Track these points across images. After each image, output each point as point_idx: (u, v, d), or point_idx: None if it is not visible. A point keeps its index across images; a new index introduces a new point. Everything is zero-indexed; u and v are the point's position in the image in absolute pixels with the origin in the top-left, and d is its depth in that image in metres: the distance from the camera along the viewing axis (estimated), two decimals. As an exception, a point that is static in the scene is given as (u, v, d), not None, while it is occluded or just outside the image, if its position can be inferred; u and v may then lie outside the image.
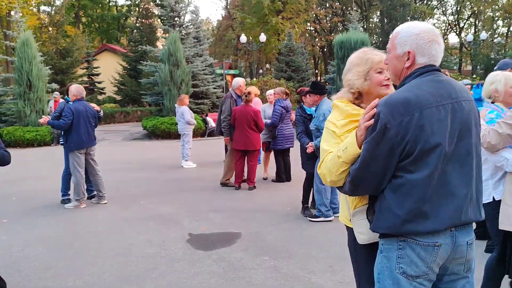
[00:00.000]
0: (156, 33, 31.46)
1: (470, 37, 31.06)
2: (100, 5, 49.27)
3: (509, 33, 42.89)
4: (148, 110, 25.94)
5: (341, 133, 2.06)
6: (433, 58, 1.87)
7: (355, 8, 38.04)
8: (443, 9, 45.53)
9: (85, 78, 30.66)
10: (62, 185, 6.92)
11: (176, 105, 10.81)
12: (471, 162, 1.82)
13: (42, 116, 6.76)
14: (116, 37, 47.11)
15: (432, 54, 1.86)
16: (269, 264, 4.27)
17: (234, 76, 25.96)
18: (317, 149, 5.56)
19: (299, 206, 6.27)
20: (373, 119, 1.78)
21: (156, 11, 31.96)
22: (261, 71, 38.38)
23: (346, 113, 2.13)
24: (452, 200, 1.76)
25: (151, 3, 34.54)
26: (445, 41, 40.24)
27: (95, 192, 7.01)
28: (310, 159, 5.88)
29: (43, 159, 12.30)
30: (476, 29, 43.78)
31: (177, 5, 20.99)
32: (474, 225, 1.90)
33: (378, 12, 43.38)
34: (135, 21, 39.25)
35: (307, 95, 5.96)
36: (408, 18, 38.55)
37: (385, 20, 42.05)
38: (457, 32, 45.13)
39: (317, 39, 41.95)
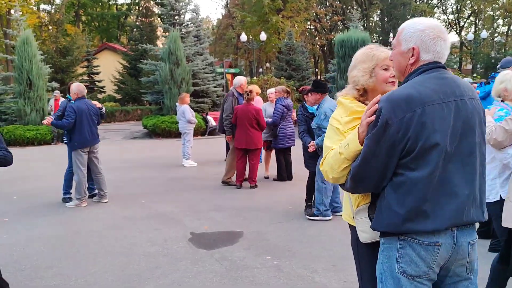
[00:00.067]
0: (156, 31, 31.44)
1: (470, 36, 31.02)
2: (100, 4, 49.21)
3: (509, 32, 42.86)
4: (148, 109, 25.95)
5: (345, 130, 2.04)
6: (438, 55, 1.84)
7: (355, 7, 37.99)
8: (443, 8, 45.53)
9: (85, 77, 30.66)
10: (64, 183, 6.91)
11: (177, 103, 10.79)
12: (474, 162, 1.79)
13: (46, 117, 6.75)
14: (116, 36, 47.08)
15: (437, 50, 1.83)
16: (271, 263, 4.25)
17: (234, 74, 25.94)
18: (318, 148, 5.54)
19: (301, 205, 6.25)
20: (374, 115, 1.76)
21: (156, 9, 31.91)
22: (261, 70, 38.36)
23: (351, 110, 2.11)
24: (454, 199, 1.73)
25: (151, 1, 34.52)
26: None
27: (96, 191, 6.99)
28: (312, 158, 5.86)
29: (43, 158, 12.28)
30: (476, 28, 43.76)
31: (177, 4, 20.96)
32: (477, 225, 1.87)
33: (378, 11, 43.35)
34: (135, 19, 39.22)
35: (309, 94, 5.94)
36: (408, 16, 38.49)
37: (385, 19, 42.03)
38: (457, 31, 45.09)
39: (317, 38, 41.90)
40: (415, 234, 1.74)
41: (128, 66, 30.05)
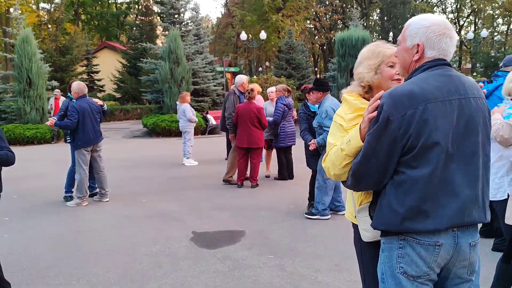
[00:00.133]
0: (156, 30, 31.40)
1: (470, 35, 30.97)
2: (100, 3, 49.14)
3: (508, 31, 42.88)
4: (148, 107, 25.92)
5: (348, 127, 2.02)
6: (443, 52, 1.81)
7: (355, 6, 37.98)
8: (443, 7, 45.60)
9: (85, 76, 30.63)
10: (66, 181, 6.89)
11: (177, 102, 10.77)
12: (477, 162, 1.76)
13: (49, 118, 6.75)
14: (115, 35, 47.02)
15: (442, 48, 1.80)
16: (274, 263, 4.24)
17: (234, 73, 25.92)
18: (319, 146, 5.53)
19: (303, 204, 6.24)
20: (376, 111, 1.74)
21: (156, 8, 31.85)
22: (260, 69, 38.33)
23: (355, 107, 2.09)
24: (455, 199, 1.70)
25: (151, 0, 34.44)
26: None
27: (96, 190, 6.98)
28: (314, 157, 5.84)
29: (43, 157, 12.25)
30: (476, 27, 43.76)
31: (177, 2, 20.93)
32: (480, 224, 1.84)
33: (378, 10, 43.35)
34: (134, 18, 39.16)
35: (311, 92, 5.92)
36: (408, 15, 38.48)
37: (385, 18, 42.04)
38: (457, 30, 45.10)
39: (316, 37, 41.89)
40: (416, 234, 1.72)
41: (128, 65, 30.04)
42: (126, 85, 29.49)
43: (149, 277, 3.97)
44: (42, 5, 38.08)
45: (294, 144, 8.20)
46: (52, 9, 33.58)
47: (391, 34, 38.39)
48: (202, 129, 17.39)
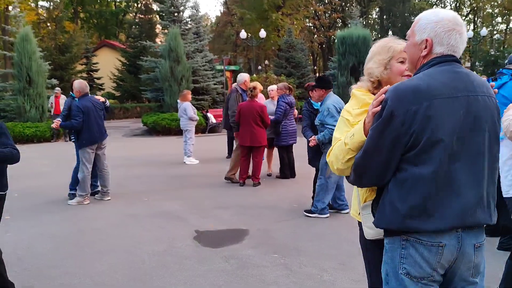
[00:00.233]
0: (155, 28, 31.32)
1: (470, 34, 30.96)
2: (98, 1, 48.98)
3: (508, 29, 42.90)
4: (148, 106, 25.86)
5: (354, 122, 2.00)
6: (452, 48, 1.76)
7: (354, 4, 37.96)
8: (442, 5, 45.48)
9: (84, 74, 30.50)
10: (72, 179, 6.85)
11: (178, 100, 10.73)
12: (482, 162, 1.71)
13: (54, 121, 6.73)
14: (114, 33, 46.90)
15: (452, 44, 1.76)
16: (279, 262, 4.21)
17: (233, 72, 25.87)
18: (320, 143, 5.51)
19: (306, 202, 6.22)
20: (381, 106, 1.71)
21: (156, 6, 31.77)
22: (259, 67, 38.27)
23: (363, 102, 2.08)
24: (458, 199, 1.66)
25: (150, -2, 34.36)
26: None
27: (98, 188, 6.94)
28: (317, 155, 5.82)
29: (43, 155, 12.20)
30: (475, 26, 43.77)
31: (177, 1, 20.87)
32: None
33: (377, 8, 43.33)
34: (134, 16, 39.08)
35: (313, 90, 5.90)
36: (407, 14, 38.54)
37: (385, 16, 42.02)
38: (457, 29, 45.08)
39: (315, 36, 41.85)
40: (418, 234, 1.68)
41: (127, 63, 29.94)
42: (126, 84, 29.40)
43: (153, 276, 3.94)
44: (41, 3, 38.10)
45: (295, 143, 8.18)
46: (51, 7, 33.44)
47: (390, 32, 38.40)
48: (203, 128, 17.35)
